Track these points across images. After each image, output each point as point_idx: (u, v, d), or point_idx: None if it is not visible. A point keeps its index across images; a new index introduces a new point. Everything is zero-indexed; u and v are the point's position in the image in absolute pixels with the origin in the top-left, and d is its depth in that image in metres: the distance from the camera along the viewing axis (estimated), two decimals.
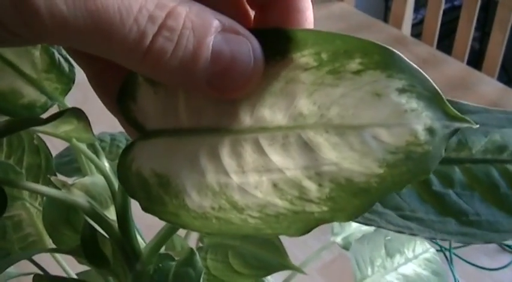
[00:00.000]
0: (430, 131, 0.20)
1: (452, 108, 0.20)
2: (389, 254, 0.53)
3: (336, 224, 0.58)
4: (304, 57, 0.22)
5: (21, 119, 0.32)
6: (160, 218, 0.24)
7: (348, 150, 0.21)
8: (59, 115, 0.26)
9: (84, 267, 0.47)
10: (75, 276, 0.51)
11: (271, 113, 0.23)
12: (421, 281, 0.52)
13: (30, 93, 0.33)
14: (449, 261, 0.80)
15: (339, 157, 0.21)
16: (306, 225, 0.22)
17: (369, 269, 0.51)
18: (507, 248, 0.82)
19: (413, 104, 0.21)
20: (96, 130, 0.34)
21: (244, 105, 0.23)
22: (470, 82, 1.13)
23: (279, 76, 0.23)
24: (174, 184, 0.24)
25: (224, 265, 0.41)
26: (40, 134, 0.50)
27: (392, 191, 0.21)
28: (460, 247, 0.81)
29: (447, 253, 0.81)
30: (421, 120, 0.20)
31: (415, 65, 0.21)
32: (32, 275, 0.42)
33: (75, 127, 0.28)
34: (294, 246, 0.82)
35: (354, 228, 0.58)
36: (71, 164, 0.52)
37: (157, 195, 0.24)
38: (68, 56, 0.33)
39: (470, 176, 0.27)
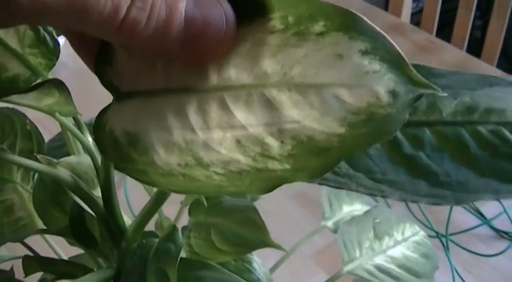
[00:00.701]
0: (393, 94, 0.20)
1: (417, 73, 0.20)
2: (378, 237, 0.53)
3: (327, 208, 0.58)
4: (271, 21, 0.23)
5: (1, 87, 0.32)
6: (130, 176, 0.24)
7: (309, 109, 0.21)
8: (39, 85, 0.26)
9: (75, 251, 0.47)
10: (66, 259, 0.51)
11: (237, 72, 0.23)
12: (409, 263, 0.52)
13: (15, 67, 0.33)
14: (446, 247, 0.80)
15: (301, 115, 0.22)
16: (267, 183, 0.22)
17: (357, 251, 0.51)
18: (504, 235, 0.82)
19: (376, 66, 0.21)
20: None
21: (212, 65, 0.23)
22: (468, 69, 1.13)
23: (246, 38, 0.23)
24: (142, 142, 0.24)
25: (206, 242, 0.41)
26: (32, 118, 0.51)
27: (353, 152, 0.21)
28: (456, 233, 0.82)
29: (443, 239, 0.81)
30: (384, 82, 0.21)
31: (378, 29, 0.21)
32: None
33: (57, 100, 0.28)
34: (289, 232, 0.83)
35: (345, 212, 0.59)
36: (62, 148, 0.52)
37: (127, 154, 0.25)
38: (53, 32, 0.34)
39: (440, 137, 0.27)
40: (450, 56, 1.17)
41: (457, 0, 1.38)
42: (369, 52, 0.21)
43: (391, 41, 0.21)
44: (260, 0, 0.23)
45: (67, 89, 0.28)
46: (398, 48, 0.21)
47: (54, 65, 0.34)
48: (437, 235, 0.82)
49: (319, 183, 0.26)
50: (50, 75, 0.35)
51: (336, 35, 0.21)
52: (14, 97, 0.26)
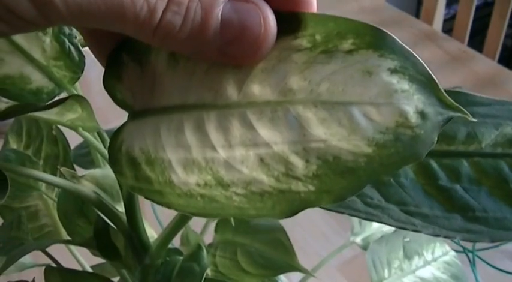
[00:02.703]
0: (422, 115, 0.20)
1: (446, 95, 0.20)
2: (408, 256, 0.52)
3: (356, 224, 0.57)
4: (298, 39, 0.22)
5: (22, 104, 0.32)
6: (146, 197, 0.24)
7: (336, 126, 0.21)
8: (60, 102, 0.26)
9: (98, 260, 0.47)
10: (89, 269, 0.51)
11: (261, 88, 0.22)
12: None
13: (39, 79, 0.33)
14: (472, 264, 0.78)
15: (327, 133, 0.21)
16: (290, 206, 0.21)
17: (386, 271, 0.50)
18: None
19: (405, 85, 0.20)
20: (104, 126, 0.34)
21: (232, 81, 0.23)
22: (500, 80, 1.11)
23: (271, 55, 0.23)
24: (160, 161, 0.24)
25: (232, 263, 0.41)
26: (61, 127, 0.50)
27: (380, 175, 0.20)
28: (483, 249, 0.80)
29: (470, 255, 0.79)
30: (413, 102, 0.20)
31: (407, 47, 0.21)
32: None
33: (79, 115, 0.27)
34: (316, 243, 0.82)
35: (375, 228, 0.57)
36: (88, 156, 0.52)
37: (144, 174, 0.24)
38: (78, 45, 0.33)
39: (478, 170, 0.26)
40: (481, 67, 1.15)
41: (490, 7, 1.36)
42: (398, 71, 0.21)
43: (421, 61, 0.21)
44: (287, 18, 0.23)
45: (89, 104, 0.28)
46: (428, 69, 0.20)
47: (79, 78, 0.34)
48: (464, 251, 0.80)
49: (349, 214, 0.25)
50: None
51: (365, 53, 0.21)
52: (37, 113, 0.25)
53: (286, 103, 0.22)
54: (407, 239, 0.52)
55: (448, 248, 0.55)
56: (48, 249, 0.45)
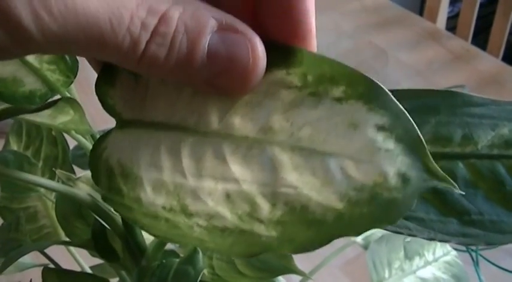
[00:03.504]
0: (403, 178, 0.19)
1: (433, 162, 0.19)
2: (408, 257, 0.51)
3: None
4: (289, 75, 0.22)
5: (13, 107, 0.32)
6: (115, 210, 0.23)
7: (310, 175, 0.20)
8: (52, 104, 0.26)
9: (97, 261, 0.47)
10: (88, 270, 0.51)
11: (242, 121, 0.22)
12: None
13: (32, 83, 0.33)
14: (475, 263, 0.78)
15: (299, 180, 0.20)
16: (249, 247, 0.20)
17: (386, 271, 0.49)
18: None
19: (390, 145, 0.20)
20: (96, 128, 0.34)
21: (216, 109, 0.22)
22: (503, 78, 1.10)
23: (260, 88, 0.22)
24: (133, 176, 0.23)
25: (229, 265, 0.40)
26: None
27: (348, 232, 0.19)
28: (486, 248, 0.80)
29: (473, 254, 0.79)
30: (395, 163, 0.19)
31: (401, 107, 0.20)
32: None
33: (71, 118, 0.27)
34: None
35: None
36: (86, 156, 0.52)
37: (118, 186, 0.23)
38: None
39: (474, 172, 0.25)
40: (485, 65, 1.14)
41: (494, 5, 1.35)
42: (386, 129, 0.20)
43: (412, 122, 0.20)
44: (281, 51, 0.22)
45: (81, 107, 0.27)
46: (418, 131, 0.20)
47: (72, 82, 0.33)
48: (467, 250, 0.80)
49: None
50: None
51: (354, 104, 0.20)
52: (28, 115, 0.25)
53: (263, 142, 0.21)
54: (408, 239, 0.52)
55: (449, 247, 0.54)
56: (48, 250, 0.45)
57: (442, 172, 0.19)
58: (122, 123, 0.25)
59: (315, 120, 0.21)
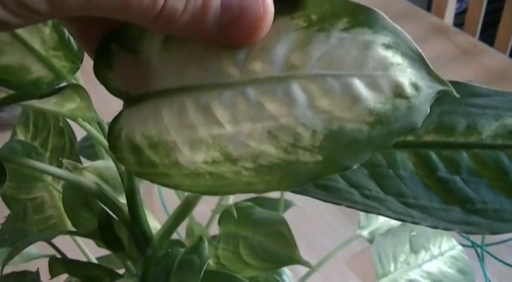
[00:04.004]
0: (415, 86, 0.21)
1: (434, 70, 0.22)
2: (414, 250, 0.51)
3: (362, 217, 0.56)
4: (294, 19, 0.23)
5: (19, 93, 0.32)
6: (152, 181, 0.24)
7: (339, 97, 0.22)
8: (58, 91, 0.26)
9: (104, 251, 0.47)
10: (95, 260, 0.51)
11: (263, 65, 0.23)
12: (446, 279, 0.50)
13: (39, 70, 0.33)
14: (481, 259, 0.78)
15: (331, 104, 0.22)
16: (298, 177, 0.22)
17: (392, 265, 0.49)
18: None
19: (399, 59, 0.22)
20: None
21: (231, 61, 0.24)
22: (511, 74, 1.10)
23: (269, 35, 0.23)
24: (164, 144, 0.24)
25: (234, 255, 0.40)
26: (67, 120, 0.50)
27: (382, 143, 0.21)
28: (492, 244, 0.80)
29: (479, 250, 0.79)
30: (406, 74, 0.22)
31: (398, 27, 0.22)
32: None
33: (78, 105, 0.27)
34: (324, 236, 0.82)
35: (381, 222, 0.57)
36: (93, 148, 0.52)
37: (148, 158, 0.24)
38: None
39: (478, 161, 0.26)
40: (492, 61, 1.14)
41: (502, 1, 1.35)
42: (392, 46, 0.22)
43: (411, 39, 0.22)
44: (282, 1, 0.23)
45: (87, 94, 0.28)
46: (417, 47, 0.22)
47: (79, 68, 0.34)
48: (473, 245, 0.80)
49: (347, 206, 0.25)
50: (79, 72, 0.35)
51: (360, 30, 0.22)
52: (34, 102, 0.25)
53: (289, 78, 0.23)
54: (414, 233, 0.52)
55: (455, 242, 0.54)
56: (55, 241, 0.45)
57: (442, 78, 0.22)
58: (131, 101, 0.26)
59: (330, 49, 0.22)
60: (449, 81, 0.22)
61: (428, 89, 0.21)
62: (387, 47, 0.22)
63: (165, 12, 0.22)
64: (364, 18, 0.22)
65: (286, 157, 0.22)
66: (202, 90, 0.24)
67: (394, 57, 0.22)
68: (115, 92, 0.26)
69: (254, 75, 0.23)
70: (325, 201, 0.25)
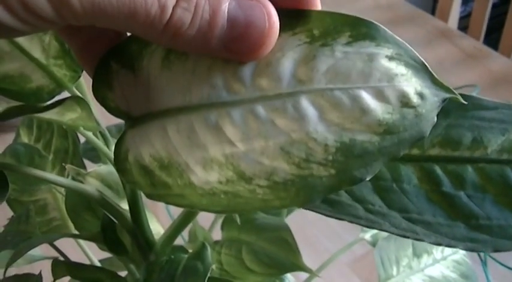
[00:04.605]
0: (421, 95, 0.22)
1: (438, 78, 0.22)
2: (417, 254, 0.51)
3: None
4: (296, 34, 0.23)
5: (21, 105, 0.32)
6: (167, 202, 0.24)
7: (348, 110, 0.22)
8: (59, 103, 0.26)
9: (107, 254, 0.47)
10: (97, 263, 0.51)
11: (269, 81, 0.23)
12: None
13: (39, 78, 0.33)
14: (483, 263, 0.78)
15: (341, 117, 0.22)
16: (313, 192, 0.22)
17: (394, 269, 0.49)
18: None
19: (403, 69, 0.22)
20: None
21: (238, 77, 0.24)
22: None
23: (273, 50, 0.23)
24: (176, 165, 0.24)
25: (237, 261, 0.40)
26: None
27: (392, 153, 0.22)
28: None
29: (481, 254, 0.79)
30: (412, 84, 0.22)
31: (398, 38, 0.23)
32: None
33: (79, 115, 0.27)
34: (328, 240, 0.82)
35: None
36: (96, 150, 0.52)
37: (160, 180, 0.24)
38: None
39: (483, 176, 0.26)
40: (496, 65, 1.14)
41: (506, 5, 1.34)
42: (395, 58, 0.22)
43: (412, 49, 0.23)
44: (284, 14, 0.23)
45: (88, 105, 0.28)
46: (420, 57, 0.22)
47: (79, 77, 0.33)
48: None
49: (350, 221, 0.25)
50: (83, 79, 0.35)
51: (363, 43, 0.23)
52: (37, 114, 0.25)
53: (298, 93, 0.23)
54: None
55: None
56: (58, 243, 0.45)
57: (446, 85, 0.22)
58: (133, 122, 0.25)
59: (335, 63, 0.23)
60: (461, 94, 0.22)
61: (434, 97, 0.22)
62: (390, 58, 0.22)
63: (172, 25, 0.22)
64: (365, 32, 0.23)
65: (300, 172, 0.22)
66: (210, 109, 0.24)
67: (398, 68, 0.22)
68: (115, 112, 0.26)
69: (262, 92, 0.23)
70: (328, 216, 0.25)
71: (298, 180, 0.22)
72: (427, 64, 0.22)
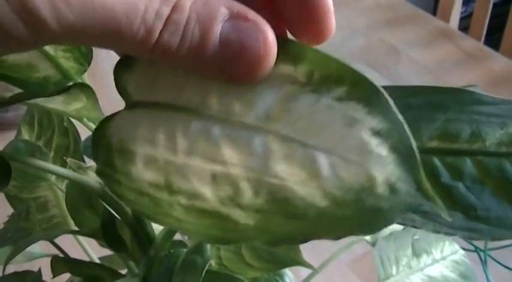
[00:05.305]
0: (392, 189, 0.19)
1: (425, 179, 0.19)
2: (416, 254, 0.51)
3: None
4: (296, 71, 0.22)
5: (27, 92, 0.32)
6: (106, 184, 0.24)
7: (297, 167, 0.20)
8: (65, 89, 0.26)
9: (106, 251, 0.47)
10: (97, 260, 0.51)
11: (241, 108, 0.22)
12: None
13: (46, 69, 0.33)
14: (483, 263, 0.78)
15: (287, 171, 0.20)
16: (225, 233, 0.21)
17: (394, 268, 0.49)
18: None
19: (383, 151, 0.19)
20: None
21: (218, 94, 0.23)
22: None
23: (267, 77, 0.22)
24: (129, 151, 0.23)
25: (236, 256, 0.40)
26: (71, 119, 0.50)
27: (327, 234, 0.19)
28: (495, 249, 0.79)
29: (481, 254, 0.79)
30: (386, 171, 0.19)
31: (401, 117, 0.20)
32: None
33: (84, 105, 0.27)
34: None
35: None
36: None
37: (112, 160, 0.24)
38: None
39: (481, 169, 0.26)
40: (497, 65, 1.14)
41: (507, 6, 1.35)
42: (381, 135, 0.20)
43: (409, 134, 0.19)
44: (290, 47, 0.22)
45: (94, 93, 0.28)
46: (414, 146, 0.19)
47: (86, 70, 0.34)
48: (476, 250, 0.80)
49: None
50: (87, 74, 0.35)
51: (354, 105, 0.20)
52: (42, 100, 0.25)
53: (258, 129, 0.21)
54: (416, 237, 0.52)
55: (457, 246, 0.54)
56: (57, 240, 0.46)
57: (432, 192, 0.19)
58: (131, 105, 0.25)
59: (311, 114, 0.21)
60: (455, 88, 0.21)
61: (406, 197, 0.19)
62: (375, 133, 0.20)
63: (160, 46, 0.21)
64: (365, 93, 0.20)
65: (219, 208, 0.21)
66: (182, 114, 0.23)
67: (379, 148, 0.19)
68: (122, 91, 0.26)
69: (228, 115, 0.22)
70: None
71: (214, 214, 0.21)
72: (418, 157, 0.19)
